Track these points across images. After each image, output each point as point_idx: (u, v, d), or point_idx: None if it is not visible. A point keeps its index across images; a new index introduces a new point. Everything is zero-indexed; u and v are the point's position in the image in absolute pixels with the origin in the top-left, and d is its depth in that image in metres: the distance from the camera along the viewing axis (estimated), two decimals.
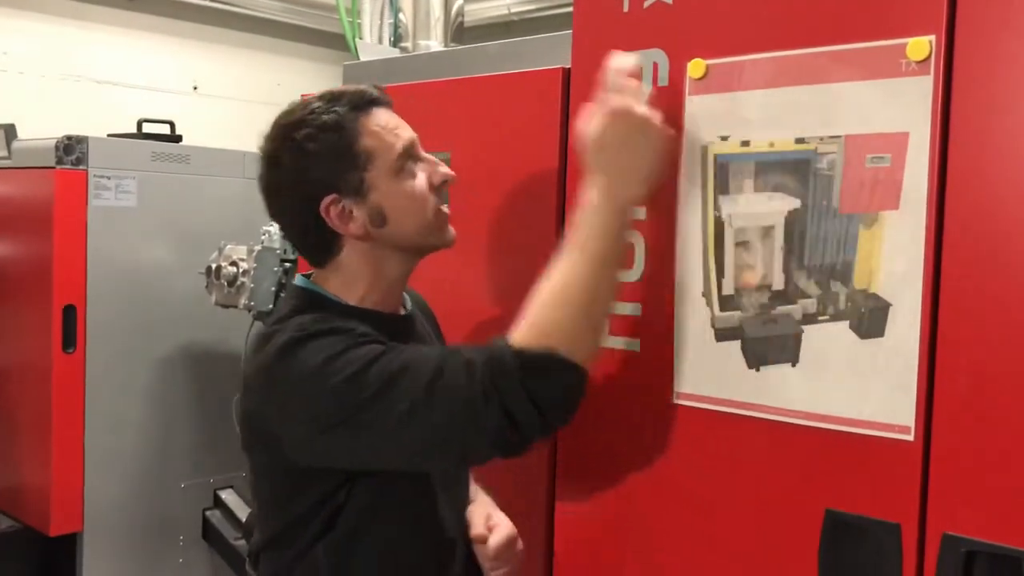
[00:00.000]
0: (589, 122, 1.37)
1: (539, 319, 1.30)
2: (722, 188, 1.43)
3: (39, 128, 3.66)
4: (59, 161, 3.29)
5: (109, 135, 3.63)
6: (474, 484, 1.66)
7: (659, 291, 1.50)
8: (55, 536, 3.37)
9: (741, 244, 1.42)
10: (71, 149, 3.31)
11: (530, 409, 1.26)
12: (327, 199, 1.40)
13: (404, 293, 1.59)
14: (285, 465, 1.39)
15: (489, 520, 1.51)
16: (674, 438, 1.50)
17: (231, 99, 5.37)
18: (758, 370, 1.41)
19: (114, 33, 4.93)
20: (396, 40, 3.14)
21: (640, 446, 1.54)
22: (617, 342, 1.56)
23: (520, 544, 1.50)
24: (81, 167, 3.33)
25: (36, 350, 3.38)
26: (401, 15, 3.25)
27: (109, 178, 3.38)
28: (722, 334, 1.44)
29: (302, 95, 2.37)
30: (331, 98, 1.41)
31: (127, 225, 3.45)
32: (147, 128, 3.71)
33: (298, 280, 1.52)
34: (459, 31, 3.19)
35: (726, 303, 1.44)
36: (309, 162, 1.39)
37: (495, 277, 1.87)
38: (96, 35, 4.86)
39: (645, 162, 1.36)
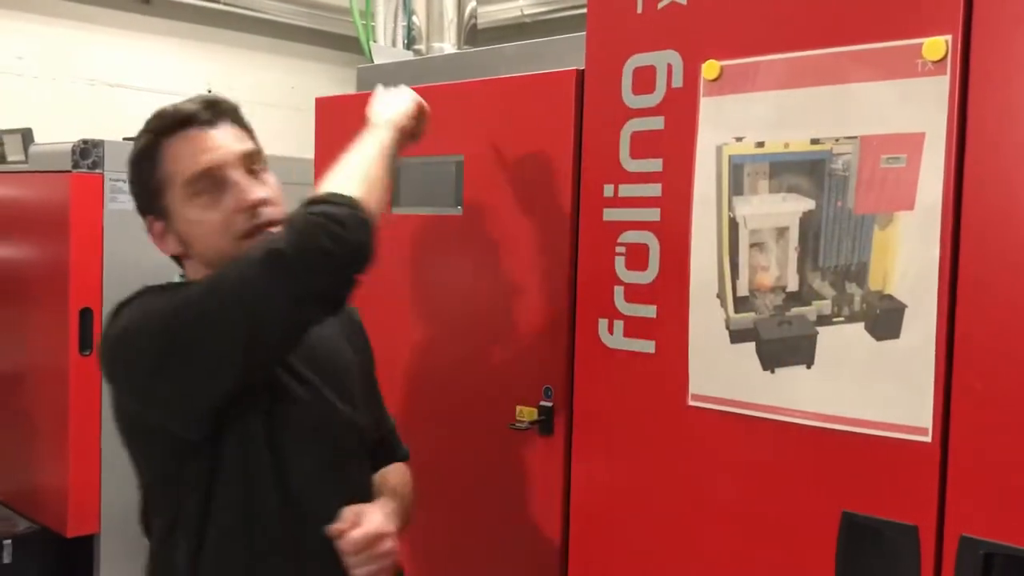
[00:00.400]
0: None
1: (331, 178, 1.37)
2: (736, 189, 1.43)
3: (55, 132, 3.67)
4: (75, 165, 3.30)
5: (125, 139, 3.65)
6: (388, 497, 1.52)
7: (673, 293, 1.50)
8: (72, 537, 3.39)
9: (756, 245, 1.41)
10: (87, 153, 3.32)
11: (314, 244, 1.23)
12: (148, 218, 1.43)
13: None
14: (137, 430, 1.42)
15: (359, 516, 1.34)
16: (688, 440, 1.50)
17: (245, 102, 5.35)
18: (773, 372, 1.41)
19: (128, 37, 4.95)
20: (410, 42, 3.15)
21: (654, 448, 1.54)
22: (631, 344, 1.56)
23: (389, 545, 1.33)
24: (97, 171, 3.34)
25: (53, 352, 3.40)
26: (414, 17, 3.25)
27: (125, 181, 3.39)
28: (737, 336, 1.44)
29: (316, 98, 2.39)
30: (149, 120, 1.41)
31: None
32: None
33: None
34: (472, 33, 3.19)
35: (741, 305, 1.43)
36: (131, 184, 1.44)
37: (508, 277, 1.87)
38: (111, 39, 4.88)
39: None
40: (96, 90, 4.87)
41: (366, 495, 1.45)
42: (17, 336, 3.66)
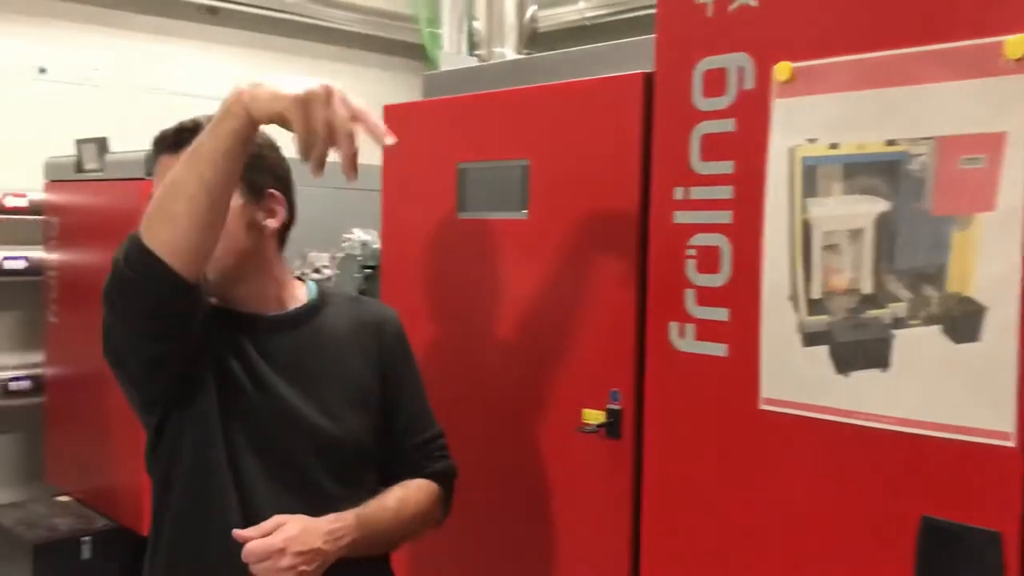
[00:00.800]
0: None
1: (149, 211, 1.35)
2: (809, 191, 1.42)
3: (129, 141, 3.78)
4: (149, 172, 3.39)
5: None
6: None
7: (745, 295, 1.49)
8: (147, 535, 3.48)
9: (829, 247, 1.40)
10: None
11: (129, 290, 1.37)
12: None
13: (318, 299, 1.59)
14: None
15: (277, 526, 1.36)
16: (761, 445, 1.49)
17: None
18: (847, 375, 1.39)
19: (197, 47, 5.07)
20: (471, 48, 3.17)
21: (726, 453, 1.54)
22: (702, 347, 1.56)
23: (284, 563, 1.32)
24: None
25: None
26: (476, 23, 3.28)
27: None
28: (810, 339, 1.43)
29: (384, 105, 2.42)
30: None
31: None
32: None
33: None
34: (533, 38, 3.21)
35: (814, 307, 1.42)
36: None
37: (573, 281, 1.88)
38: (181, 49, 5.00)
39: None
40: (168, 99, 4.99)
41: (330, 504, 1.45)
42: (92, 340, 3.76)
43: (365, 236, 3.22)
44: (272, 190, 1.51)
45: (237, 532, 1.35)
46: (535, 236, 1.96)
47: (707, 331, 1.55)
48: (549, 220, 1.93)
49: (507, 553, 2.03)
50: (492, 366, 2.06)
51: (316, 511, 1.41)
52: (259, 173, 1.49)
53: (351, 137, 1.27)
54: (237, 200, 1.42)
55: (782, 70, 1.45)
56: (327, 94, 1.26)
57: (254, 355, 1.47)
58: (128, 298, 1.36)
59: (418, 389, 1.66)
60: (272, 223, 1.51)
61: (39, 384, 4.30)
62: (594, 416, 1.81)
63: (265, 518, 1.38)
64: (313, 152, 1.25)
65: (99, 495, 3.74)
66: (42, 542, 3.40)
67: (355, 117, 1.28)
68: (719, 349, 1.53)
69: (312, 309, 1.57)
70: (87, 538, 3.48)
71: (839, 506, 1.40)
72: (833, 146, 1.40)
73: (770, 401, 1.47)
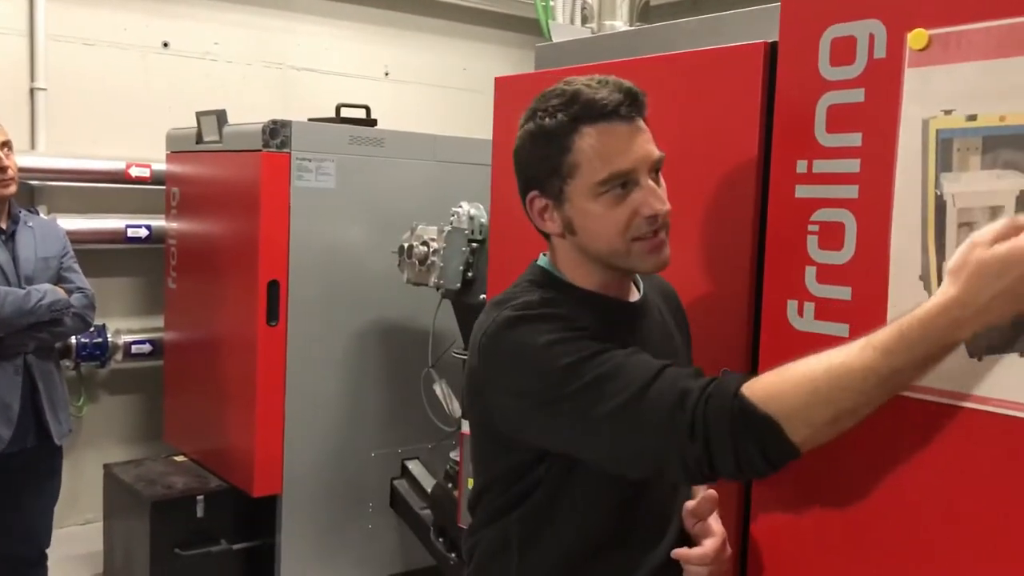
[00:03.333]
0: (1014, 254, 1.13)
1: (783, 387, 1.21)
2: (944, 165, 1.35)
3: (246, 114, 3.89)
4: (265, 144, 3.49)
5: (309, 119, 3.82)
6: None
7: (871, 274, 1.43)
8: (258, 497, 3.60)
9: (965, 225, 1.33)
10: (276, 133, 3.50)
11: (730, 460, 1.23)
12: (531, 193, 1.45)
13: (639, 279, 1.55)
14: (491, 427, 1.45)
15: (706, 528, 1.48)
16: (889, 431, 1.42)
17: (420, 84, 5.53)
18: (981, 359, 1.32)
19: (312, 22, 5.17)
20: (583, 21, 3.13)
21: (845, 440, 1.48)
22: (822, 327, 1.50)
23: (728, 552, 1.48)
24: (285, 150, 3.51)
25: (243, 323, 3.61)
26: None
27: (310, 160, 3.56)
28: None
29: (496, 77, 2.42)
30: (565, 101, 1.38)
31: (326, 206, 3.62)
32: (344, 113, 3.87)
33: (539, 257, 1.56)
34: (645, 10, 3.14)
35: None
36: (524, 156, 1.45)
37: (685, 255, 1.84)
38: (296, 24, 5.12)
39: (1008, 312, 1.16)
40: (284, 73, 5.11)
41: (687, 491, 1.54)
42: (211, 307, 3.90)
43: (473, 210, 3.24)
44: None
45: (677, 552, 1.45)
46: None
47: (828, 310, 1.49)
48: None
49: None
50: None
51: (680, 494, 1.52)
52: (557, 179, 1.42)
53: None
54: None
55: (917, 37, 1.37)
56: None
57: (639, 342, 1.42)
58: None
59: None
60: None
61: (158, 348, 4.49)
62: None
63: (659, 512, 1.49)
64: None
65: (213, 456, 3.89)
66: (159, 499, 3.56)
67: None
68: (840, 329, 1.47)
69: (646, 290, 1.56)
70: (201, 497, 3.62)
71: (972, 495, 1.33)
72: (971, 118, 1.32)
73: None
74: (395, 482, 3.91)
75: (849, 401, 1.19)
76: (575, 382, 1.29)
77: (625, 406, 1.27)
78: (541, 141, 1.40)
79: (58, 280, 3.20)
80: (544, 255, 1.54)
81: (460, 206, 3.27)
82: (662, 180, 1.42)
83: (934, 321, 1.15)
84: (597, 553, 1.45)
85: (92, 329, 4.23)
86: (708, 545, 1.47)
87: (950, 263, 1.17)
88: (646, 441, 1.28)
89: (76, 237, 4.09)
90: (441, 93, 5.58)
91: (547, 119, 1.39)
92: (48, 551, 3.34)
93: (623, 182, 1.37)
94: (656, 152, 1.39)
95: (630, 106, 1.38)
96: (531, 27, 4.02)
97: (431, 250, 3.33)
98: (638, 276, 1.55)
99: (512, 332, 1.36)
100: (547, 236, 1.50)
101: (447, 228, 3.28)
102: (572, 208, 1.40)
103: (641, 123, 1.40)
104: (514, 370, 1.36)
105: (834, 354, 1.20)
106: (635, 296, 1.53)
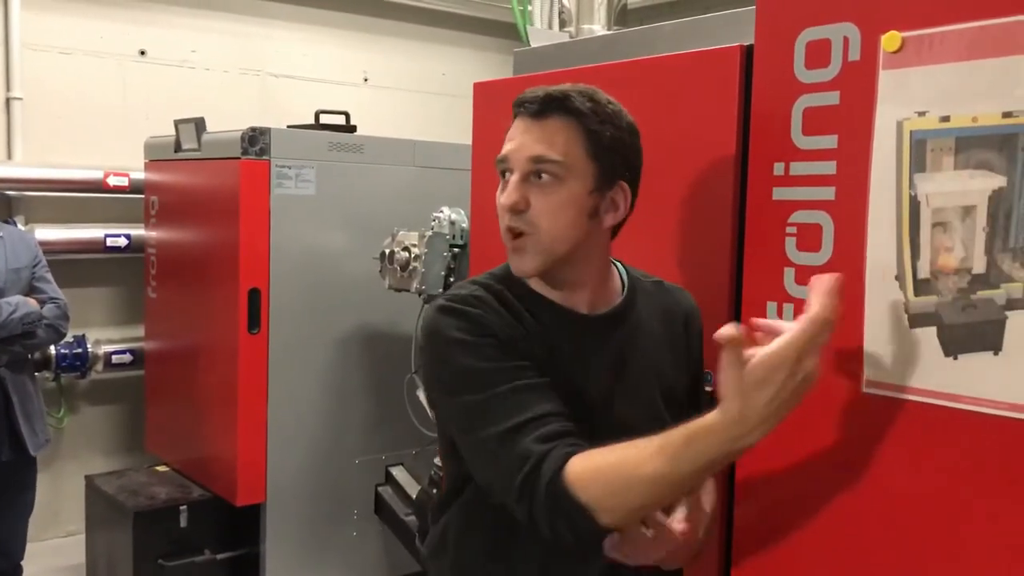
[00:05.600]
0: (772, 359, 1.16)
1: (598, 475, 1.24)
2: (918, 166, 1.36)
3: (225, 121, 3.87)
4: (244, 152, 3.47)
5: (288, 126, 3.81)
6: None
7: (848, 274, 1.43)
8: (241, 506, 3.59)
9: (939, 225, 1.34)
10: (255, 140, 3.49)
11: (546, 529, 1.28)
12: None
13: (630, 291, 1.52)
14: (437, 420, 1.51)
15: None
16: (864, 429, 1.44)
17: (399, 89, 5.53)
18: (956, 358, 1.34)
19: (290, 29, 5.16)
20: (560, 25, 3.14)
21: (826, 437, 1.49)
22: None
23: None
24: (264, 157, 3.50)
25: (224, 331, 3.60)
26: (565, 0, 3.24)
27: (290, 167, 3.55)
28: (916, 320, 1.37)
29: (474, 83, 2.42)
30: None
31: (306, 212, 3.62)
32: (323, 119, 3.86)
33: None
34: (622, 14, 3.16)
35: (921, 287, 1.37)
36: None
37: (665, 258, 1.85)
38: (274, 31, 5.10)
39: (786, 414, 1.19)
40: (262, 80, 5.10)
41: None
42: (191, 315, 3.88)
43: (454, 215, 3.24)
44: (623, 181, 1.43)
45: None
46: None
47: None
48: (641, 197, 1.90)
49: None
50: None
51: None
52: (617, 160, 1.40)
53: None
54: (585, 186, 1.37)
55: (891, 40, 1.39)
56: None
57: (574, 356, 1.42)
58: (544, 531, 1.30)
59: (704, 390, 1.61)
60: (610, 219, 1.43)
61: (139, 358, 4.46)
62: None
63: None
64: None
65: (195, 466, 3.86)
66: (142, 509, 3.53)
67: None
68: None
69: (628, 305, 1.50)
70: (184, 507, 3.60)
71: (945, 494, 1.35)
72: (944, 119, 1.34)
73: (873, 384, 1.42)
74: (379, 489, 3.90)
75: (651, 495, 1.24)
76: (464, 392, 1.34)
77: (486, 441, 1.32)
78: None
79: (30, 290, 3.17)
80: None
81: (441, 211, 3.27)
82: (561, 191, 1.36)
83: (717, 435, 1.18)
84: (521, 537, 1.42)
85: (71, 339, 4.22)
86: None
87: (726, 382, 1.17)
88: (495, 480, 1.33)
89: (55, 247, 4.07)
90: (420, 98, 5.58)
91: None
92: (29, 564, 3.32)
93: (502, 169, 1.40)
94: (536, 150, 1.36)
95: (537, 104, 1.38)
96: (509, 32, 4.04)
97: (412, 255, 3.33)
98: (632, 288, 1.51)
99: (433, 321, 1.39)
100: None
101: (428, 233, 3.28)
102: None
103: (549, 124, 1.37)
104: (431, 358, 1.41)
105: (641, 449, 1.22)
106: (602, 307, 1.48)
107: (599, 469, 1.24)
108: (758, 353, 1.16)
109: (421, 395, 3.51)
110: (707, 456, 1.19)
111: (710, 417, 1.18)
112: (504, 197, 1.38)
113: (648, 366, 1.49)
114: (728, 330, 1.17)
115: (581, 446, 1.27)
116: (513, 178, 1.37)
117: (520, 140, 1.38)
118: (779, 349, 1.16)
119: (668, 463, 1.19)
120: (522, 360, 1.35)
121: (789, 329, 1.19)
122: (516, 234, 1.38)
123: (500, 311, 1.40)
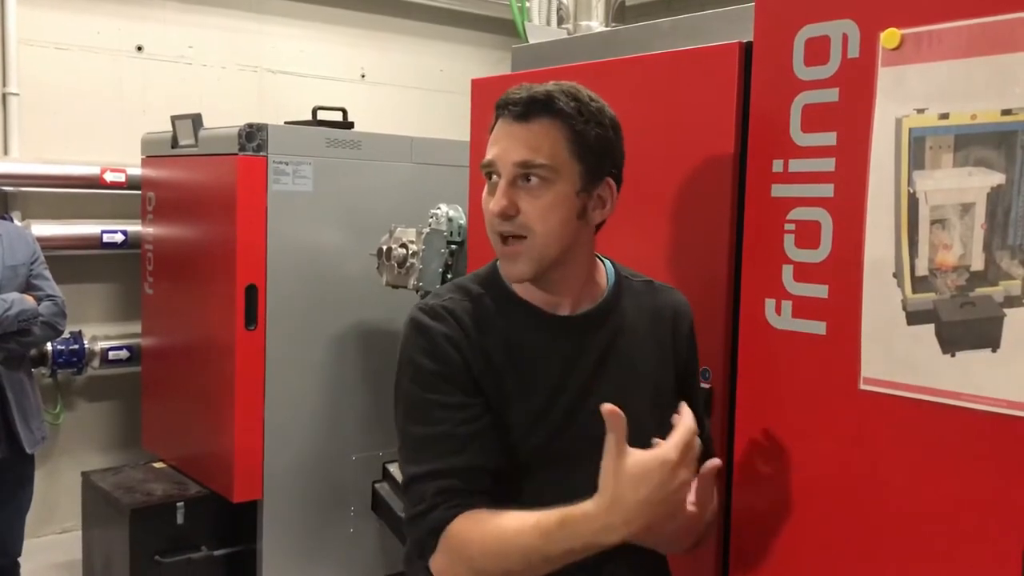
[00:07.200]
0: (652, 459, 1.17)
1: (473, 539, 1.27)
2: (917, 163, 1.36)
3: (222, 117, 3.86)
4: (241, 148, 3.46)
5: (286, 123, 3.80)
6: None
7: (846, 271, 1.44)
8: (238, 502, 3.58)
9: (937, 222, 1.35)
10: (252, 136, 3.47)
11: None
12: None
13: (616, 290, 1.48)
14: None
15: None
16: (860, 425, 1.44)
17: (396, 86, 5.52)
18: (953, 355, 1.34)
19: (287, 25, 5.14)
20: (558, 21, 3.14)
21: (823, 434, 1.49)
22: (800, 324, 1.51)
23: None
24: (261, 154, 3.49)
25: (221, 327, 3.59)
26: None
27: (287, 164, 3.54)
28: (914, 317, 1.38)
29: (472, 80, 2.42)
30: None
31: (303, 209, 3.61)
32: (321, 116, 3.85)
33: None
34: (620, 11, 3.15)
35: (919, 284, 1.37)
36: None
37: (663, 256, 1.85)
38: (271, 27, 5.09)
39: (658, 516, 1.19)
40: (259, 76, 5.08)
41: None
42: (188, 312, 3.87)
43: (451, 212, 3.24)
44: (609, 178, 1.40)
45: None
46: (623, 209, 1.92)
47: (805, 308, 1.50)
48: (638, 194, 1.90)
49: None
50: None
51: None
52: (603, 158, 1.38)
53: None
54: (573, 186, 1.35)
55: (890, 37, 1.39)
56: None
57: (549, 358, 1.40)
58: None
59: (699, 388, 1.59)
60: (598, 216, 1.41)
61: (136, 354, 4.45)
62: None
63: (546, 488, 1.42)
64: None
65: (192, 462, 3.86)
66: (139, 506, 3.52)
67: None
68: (817, 327, 1.49)
69: (611, 303, 1.46)
70: (181, 503, 3.59)
71: (943, 490, 1.35)
72: (943, 116, 1.34)
73: (871, 381, 1.43)
74: (376, 485, 3.89)
75: (521, 564, 1.24)
76: (407, 420, 1.38)
77: (406, 467, 1.37)
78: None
79: (28, 287, 3.16)
80: None
81: (438, 208, 3.27)
82: (550, 193, 1.34)
83: (590, 523, 1.18)
84: None
85: (68, 336, 4.21)
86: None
87: (605, 470, 1.18)
88: (404, 499, 1.39)
89: (51, 243, 4.06)
90: (418, 95, 5.56)
91: None
92: (25, 560, 3.31)
93: (488, 172, 1.37)
94: (522, 154, 1.33)
95: (520, 106, 1.34)
96: (507, 28, 4.03)
97: (410, 252, 3.32)
98: (617, 286, 1.48)
99: (406, 330, 1.40)
100: None
101: (425, 230, 3.28)
102: None
103: (534, 126, 1.34)
104: (398, 361, 1.41)
105: (523, 520, 1.24)
106: (586, 305, 1.45)
107: (481, 535, 1.27)
108: (640, 455, 1.17)
109: None
110: (578, 540, 1.19)
111: (587, 504, 1.19)
112: (493, 203, 1.35)
113: (630, 365, 1.45)
114: (609, 406, 1.17)
115: (470, 507, 1.29)
116: (500, 183, 1.35)
117: (505, 144, 1.35)
118: (660, 451, 1.17)
119: (541, 539, 1.21)
120: (466, 396, 1.35)
121: (677, 431, 1.20)
122: (507, 239, 1.36)
123: (467, 325, 1.38)
